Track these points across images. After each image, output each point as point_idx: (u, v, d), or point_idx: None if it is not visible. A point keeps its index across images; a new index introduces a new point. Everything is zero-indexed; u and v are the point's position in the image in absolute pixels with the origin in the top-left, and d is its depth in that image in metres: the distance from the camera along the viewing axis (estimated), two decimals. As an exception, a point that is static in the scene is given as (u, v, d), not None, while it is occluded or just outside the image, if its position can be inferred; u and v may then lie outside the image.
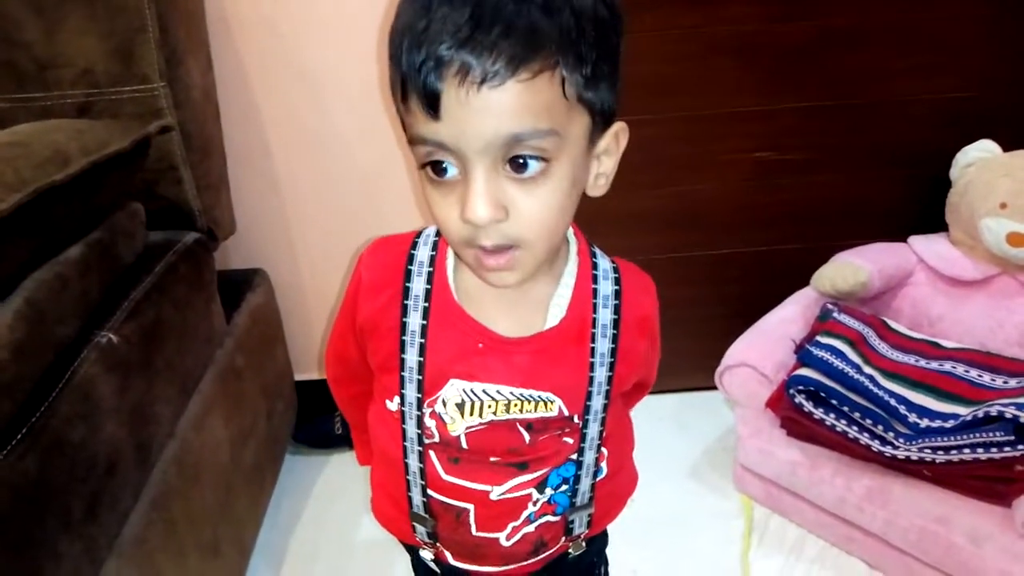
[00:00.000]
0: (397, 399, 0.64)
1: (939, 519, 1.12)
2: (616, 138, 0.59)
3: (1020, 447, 1.01)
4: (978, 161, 1.35)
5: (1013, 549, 1.05)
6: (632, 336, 0.66)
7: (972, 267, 1.33)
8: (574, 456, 0.67)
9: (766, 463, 1.33)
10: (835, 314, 1.30)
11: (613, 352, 0.65)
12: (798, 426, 1.22)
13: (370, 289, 0.64)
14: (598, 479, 0.70)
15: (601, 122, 0.55)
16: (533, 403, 0.63)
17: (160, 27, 1.07)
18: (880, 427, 1.12)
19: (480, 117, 0.49)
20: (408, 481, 0.66)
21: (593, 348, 0.64)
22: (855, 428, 1.14)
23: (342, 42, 1.34)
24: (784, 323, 1.36)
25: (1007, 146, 1.35)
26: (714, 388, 1.48)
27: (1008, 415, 1.02)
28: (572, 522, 0.70)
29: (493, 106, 0.49)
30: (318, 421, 1.62)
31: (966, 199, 1.34)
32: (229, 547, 1.15)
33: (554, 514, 0.68)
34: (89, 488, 0.79)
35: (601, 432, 0.67)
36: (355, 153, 1.44)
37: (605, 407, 0.66)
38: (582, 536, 0.72)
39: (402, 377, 0.63)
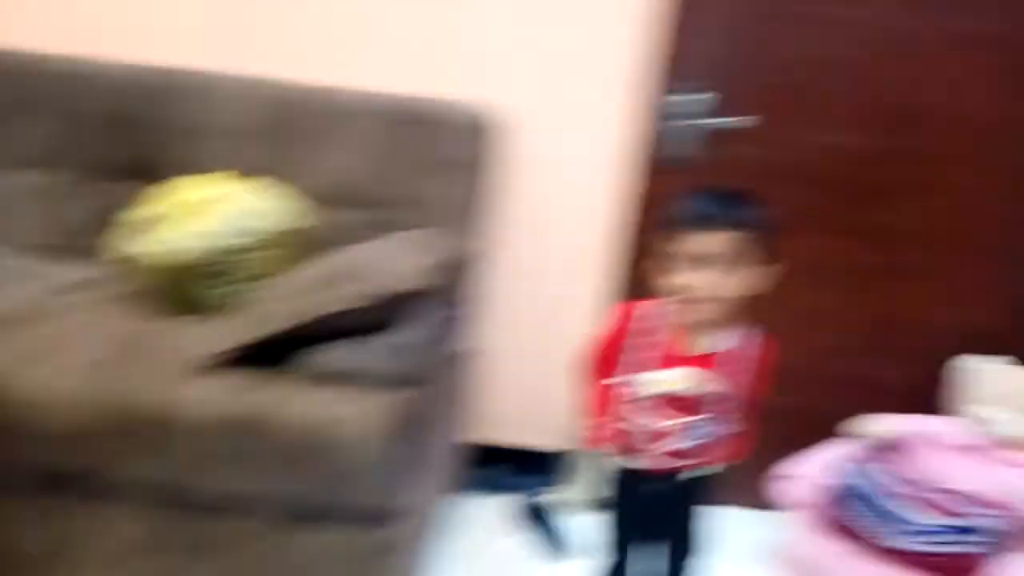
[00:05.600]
0: (621, 377, 1.33)
1: (924, 597, 1.63)
2: (772, 270, 1.28)
3: (982, 547, 1.54)
4: (980, 368, 1.97)
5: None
6: (757, 364, 1.35)
7: (969, 438, 1.88)
8: (699, 417, 1.34)
9: (805, 554, 1.85)
10: (866, 451, 1.86)
11: (744, 368, 1.34)
12: (831, 523, 1.76)
13: (622, 322, 1.35)
14: (710, 433, 1.35)
15: (763, 258, 1.26)
16: (686, 384, 1.32)
17: (481, 190, 1.86)
18: (888, 527, 1.65)
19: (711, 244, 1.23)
20: (618, 417, 1.35)
21: (735, 365, 1.33)
22: (870, 526, 1.68)
23: (570, 211, 2.08)
24: (828, 453, 1.92)
25: (1005, 359, 1.96)
26: (769, 508, 2.03)
27: (976, 525, 1.56)
28: (693, 450, 1.35)
29: (715, 240, 1.22)
30: (480, 471, 2.22)
31: (969, 392, 1.94)
32: (435, 516, 1.76)
33: (689, 442, 1.34)
34: (425, 427, 1.47)
35: (723, 409, 1.35)
36: (556, 284, 2.15)
37: (728, 397, 1.34)
38: (701, 462, 1.37)
39: (626, 365, 1.33)
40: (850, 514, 1.72)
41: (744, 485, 1.99)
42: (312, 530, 1.34)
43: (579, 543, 1.97)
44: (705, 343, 1.32)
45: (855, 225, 2.06)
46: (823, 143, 2.00)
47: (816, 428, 2.05)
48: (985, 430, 1.85)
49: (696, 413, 1.32)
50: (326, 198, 1.84)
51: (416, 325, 1.42)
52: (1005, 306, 2.07)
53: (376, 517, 1.34)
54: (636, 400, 1.32)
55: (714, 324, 1.31)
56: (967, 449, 1.89)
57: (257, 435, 1.27)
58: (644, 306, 1.35)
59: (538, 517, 2.05)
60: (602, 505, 1.47)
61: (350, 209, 1.85)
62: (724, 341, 1.32)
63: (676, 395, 1.31)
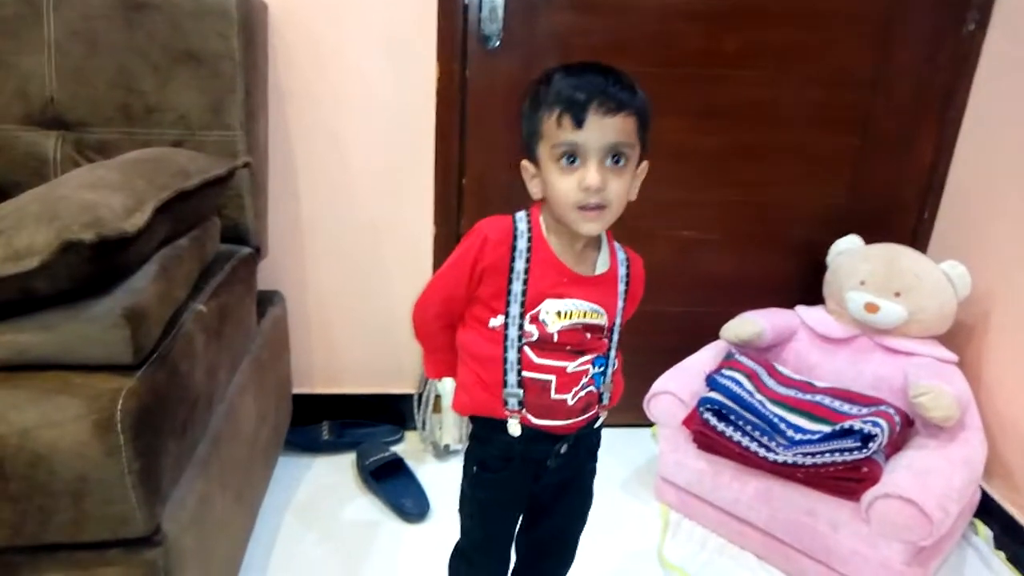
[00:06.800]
0: (501, 316, 1.00)
1: (808, 512, 1.47)
2: (644, 168, 1.01)
3: (864, 452, 1.38)
4: (846, 250, 1.79)
5: (860, 532, 1.41)
6: (633, 285, 1.08)
7: (840, 329, 1.73)
8: (605, 352, 1.06)
9: (680, 473, 1.66)
10: (737, 356, 1.67)
11: (625, 291, 1.07)
12: (706, 439, 1.56)
13: (494, 244, 1.00)
14: (612, 370, 1.09)
15: (642, 154, 0.99)
16: (593, 313, 1.02)
17: (245, 91, 1.42)
18: (766, 438, 1.47)
19: (601, 131, 0.93)
20: (505, 369, 1.02)
21: (618, 287, 1.06)
22: (747, 439, 1.49)
23: (370, 113, 1.70)
24: (699, 362, 1.73)
25: (867, 240, 1.79)
26: (643, 424, 1.83)
27: (857, 427, 1.40)
28: (602, 393, 1.08)
29: (608, 126, 0.93)
30: (307, 429, 1.89)
31: (837, 277, 1.76)
32: (247, 500, 1.43)
33: (594, 386, 1.06)
34: (184, 410, 1.07)
35: (615, 341, 1.08)
36: (367, 204, 1.78)
37: (618, 326, 1.07)
38: (604, 407, 1.10)
39: (509, 300, 1.00)
40: (726, 427, 1.53)
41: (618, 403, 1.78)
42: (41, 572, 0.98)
43: (437, 498, 1.71)
44: (592, 261, 1.04)
45: (695, 101, 1.80)
46: (643, 6, 1.71)
47: (690, 334, 1.86)
48: (859, 318, 1.71)
49: (597, 349, 1.05)
50: (26, 116, 1.40)
51: (153, 278, 1.03)
52: (866, 184, 1.90)
53: (132, 541, 0.98)
54: (535, 341, 1.01)
55: (599, 238, 1.04)
56: (840, 342, 1.75)
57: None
58: (511, 222, 1.02)
59: (387, 474, 1.76)
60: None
61: (59, 129, 1.41)
62: (605, 258, 1.05)
63: (586, 327, 1.02)
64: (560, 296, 1.01)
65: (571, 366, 1.03)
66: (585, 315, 1.02)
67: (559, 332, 1.01)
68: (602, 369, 1.07)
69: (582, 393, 1.05)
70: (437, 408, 1.86)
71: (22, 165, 1.39)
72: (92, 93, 1.38)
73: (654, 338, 1.84)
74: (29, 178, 1.37)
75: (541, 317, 1.01)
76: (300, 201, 1.75)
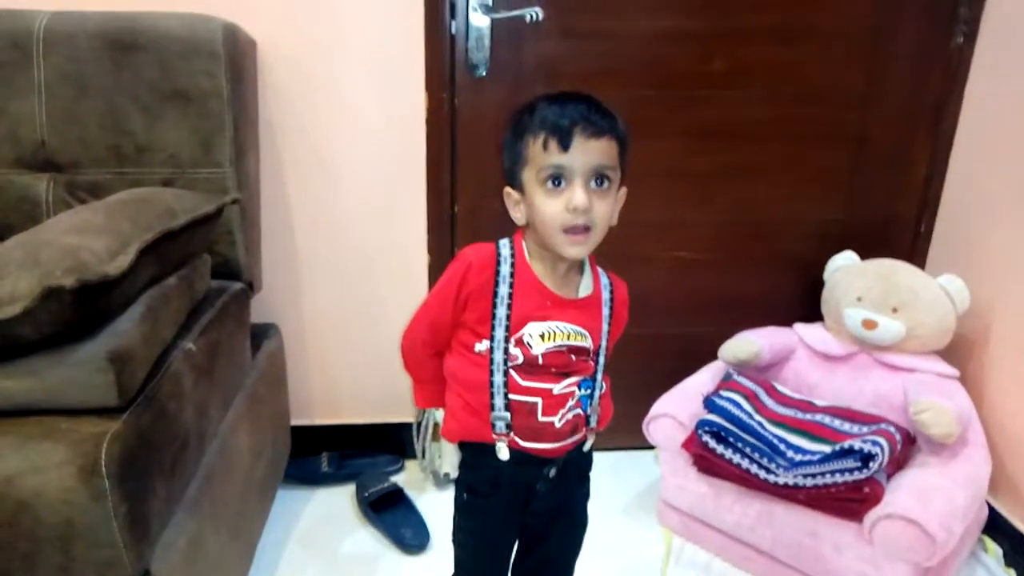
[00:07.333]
0: (487, 341, 1.02)
1: (811, 534, 1.45)
2: (623, 194, 1.05)
3: (865, 472, 1.36)
4: (843, 267, 1.78)
5: (864, 554, 1.39)
6: (617, 309, 1.10)
7: (839, 346, 1.72)
8: (591, 375, 1.08)
9: (682, 496, 1.64)
10: (735, 376, 1.66)
11: (609, 315, 1.09)
12: (706, 462, 1.55)
13: (477, 270, 1.01)
14: (600, 393, 1.10)
15: (622, 180, 1.03)
16: (577, 335, 1.03)
17: (234, 128, 1.43)
18: (766, 459, 1.45)
19: (585, 154, 0.96)
20: (492, 393, 1.03)
21: (602, 311, 1.08)
22: (747, 461, 1.47)
23: (361, 145, 1.71)
24: (698, 384, 1.71)
25: (863, 256, 1.78)
26: (643, 447, 1.81)
27: (857, 447, 1.38)
28: (589, 416, 1.09)
29: (592, 149, 0.96)
30: (306, 461, 1.89)
31: (834, 295, 1.75)
32: (244, 536, 1.42)
33: (581, 409, 1.07)
34: (173, 451, 1.08)
35: (602, 364, 1.09)
36: (361, 235, 1.78)
37: (604, 349, 1.09)
38: (592, 429, 1.11)
39: (494, 325, 1.01)
40: (725, 450, 1.51)
41: (615, 426, 1.77)
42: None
43: (437, 529, 1.69)
44: (576, 285, 1.07)
45: (687, 122, 1.79)
46: (630, 30, 1.71)
47: (689, 355, 1.83)
48: (857, 335, 1.69)
49: (583, 371, 1.06)
50: (18, 160, 1.41)
51: (139, 320, 1.04)
52: (861, 199, 1.89)
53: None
54: (520, 364, 1.02)
55: (581, 263, 1.07)
56: (839, 360, 1.73)
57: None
58: (495, 248, 1.05)
59: (386, 504, 1.75)
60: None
61: (50, 171, 1.42)
62: (588, 282, 1.08)
63: (571, 349, 1.04)
64: (544, 319, 1.03)
65: (556, 388, 1.05)
66: (569, 337, 1.04)
67: (544, 354, 1.03)
68: (588, 391, 1.08)
69: (569, 415, 1.07)
70: (436, 436, 1.85)
71: (15, 208, 1.41)
72: (83, 135, 1.40)
73: (653, 360, 1.84)
74: (23, 221, 1.38)
75: (525, 340, 1.02)
76: (294, 233, 1.75)
